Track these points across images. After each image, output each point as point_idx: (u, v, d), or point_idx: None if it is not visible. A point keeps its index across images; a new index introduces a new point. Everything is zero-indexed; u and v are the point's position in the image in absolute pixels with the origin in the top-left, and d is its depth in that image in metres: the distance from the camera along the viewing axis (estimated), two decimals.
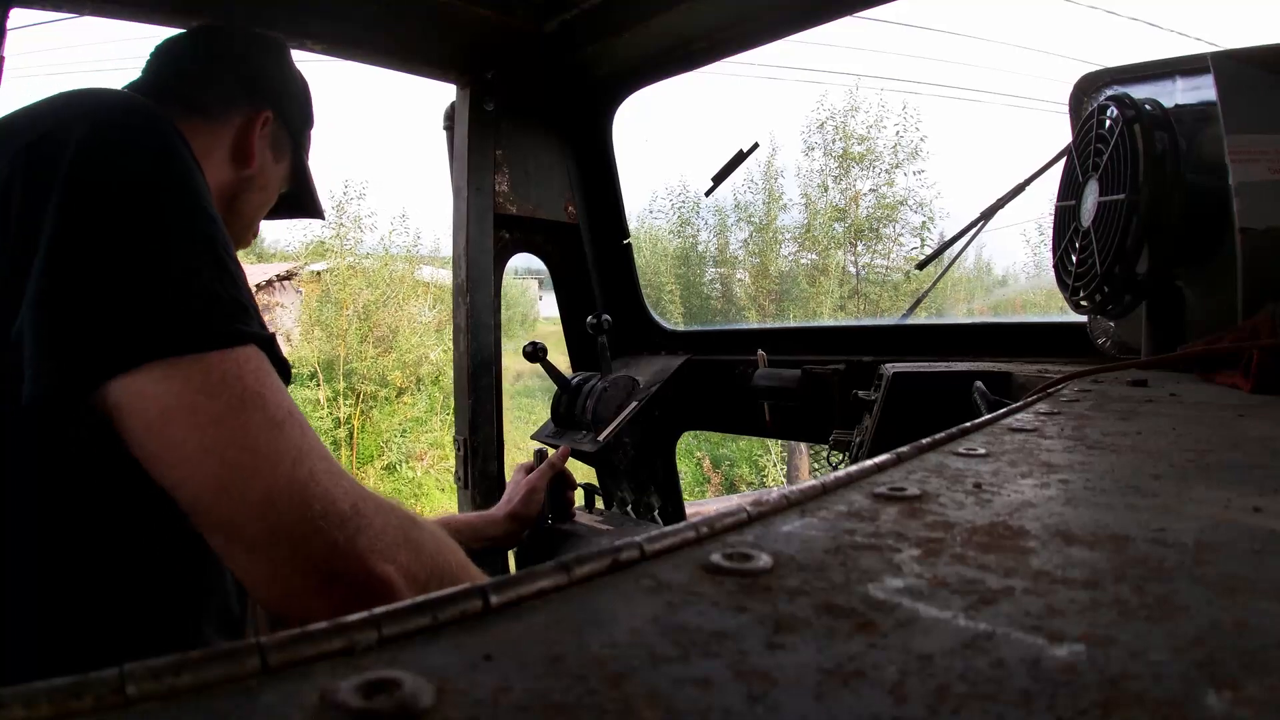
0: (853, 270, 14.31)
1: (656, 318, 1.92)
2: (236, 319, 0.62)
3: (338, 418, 13.17)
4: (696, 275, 15.68)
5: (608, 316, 1.60)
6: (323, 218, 1.18)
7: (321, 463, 0.62)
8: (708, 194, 1.84)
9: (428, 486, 12.73)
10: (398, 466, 13.07)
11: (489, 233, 1.68)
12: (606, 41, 1.66)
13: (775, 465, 12.78)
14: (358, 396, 13.29)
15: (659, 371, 1.69)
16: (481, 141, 1.67)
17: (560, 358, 1.68)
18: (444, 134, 1.75)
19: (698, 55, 1.65)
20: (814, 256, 14.09)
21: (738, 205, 14.80)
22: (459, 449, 1.70)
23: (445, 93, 1.72)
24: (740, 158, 1.78)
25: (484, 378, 1.68)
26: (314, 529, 0.59)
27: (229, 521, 0.59)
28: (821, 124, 14.33)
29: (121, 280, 0.59)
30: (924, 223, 13.87)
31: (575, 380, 1.67)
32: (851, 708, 0.16)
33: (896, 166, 14.02)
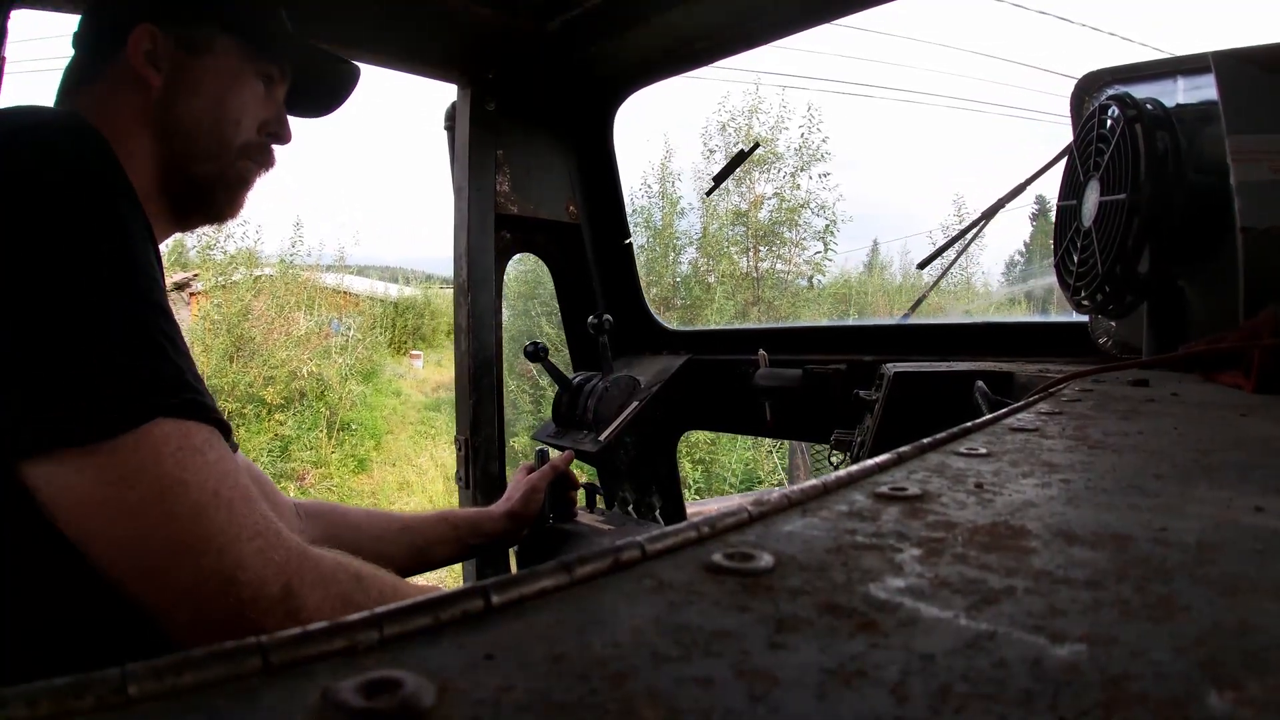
0: (754, 276, 13.83)
1: (658, 318, 1.92)
2: (153, 392, 0.59)
3: None
4: None
5: (609, 316, 1.60)
6: (354, 79, 1.08)
7: (253, 542, 0.60)
8: (708, 194, 1.85)
9: None
10: None
11: (490, 233, 1.68)
12: (608, 41, 1.66)
13: (691, 485, 12.42)
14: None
15: (660, 371, 1.69)
16: (482, 141, 1.67)
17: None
18: (445, 134, 1.75)
19: (699, 54, 1.65)
20: (709, 261, 13.63)
21: (634, 210, 14.14)
22: (460, 449, 1.70)
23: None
24: (741, 157, 1.78)
25: (485, 378, 1.68)
26: (240, 619, 0.59)
27: (155, 606, 0.59)
28: (723, 126, 13.87)
29: (19, 357, 0.57)
30: (827, 226, 13.44)
31: (577, 380, 1.67)
32: (853, 707, 0.16)
33: (802, 169, 13.51)
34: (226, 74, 0.91)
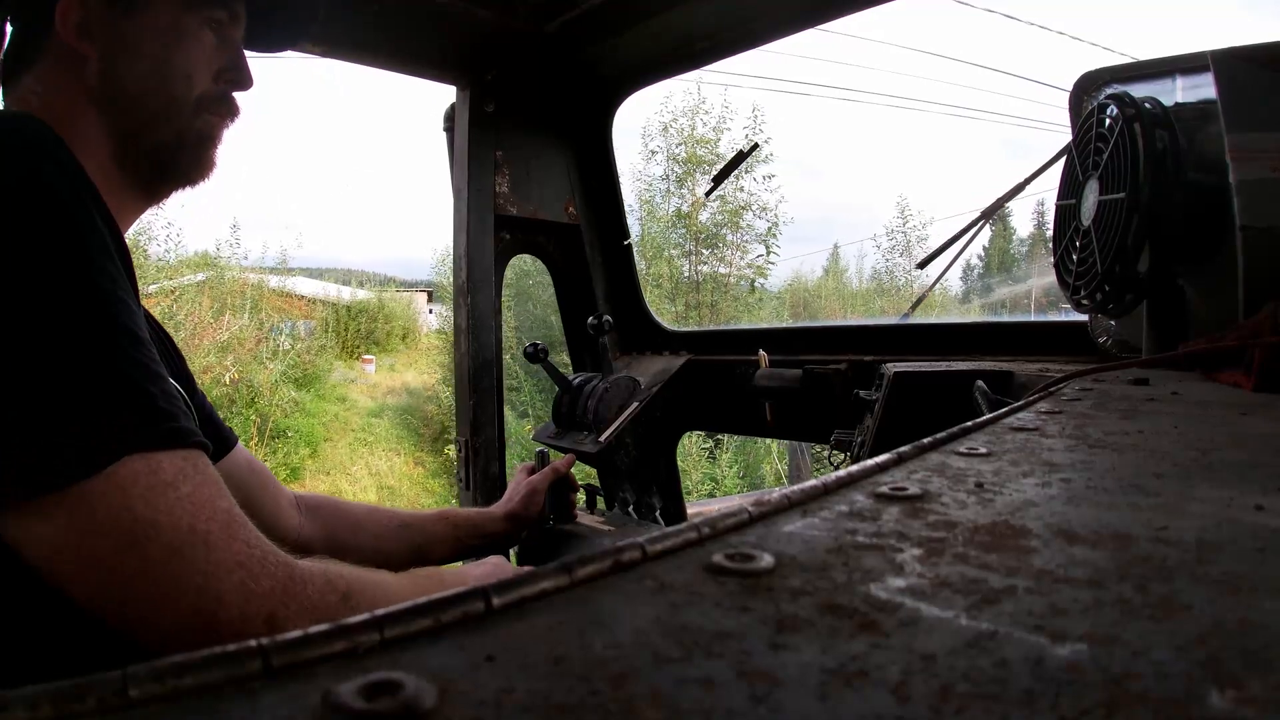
0: (695, 279, 13.51)
1: (658, 319, 1.92)
2: (119, 429, 0.57)
3: None
4: (533, 290, 13.82)
5: (609, 317, 1.60)
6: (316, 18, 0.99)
7: (234, 575, 0.59)
8: (707, 194, 1.86)
9: None
10: None
11: (489, 234, 1.68)
12: (607, 42, 1.66)
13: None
14: None
15: (660, 372, 1.69)
16: (482, 143, 1.67)
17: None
18: (444, 135, 1.75)
19: (699, 55, 1.65)
20: (644, 265, 13.32)
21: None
22: (460, 450, 1.70)
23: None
24: (740, 157, 1.78)
25: (485, 379, 1.68)
26: None
27: (140, 643, 0.58)
28: (665, 127, 13.66)
29: None
30: (769, 229, 13.22)
31: (577, 381, 1.67)
32: (854, 707, 0.16)
33: (748, 170, 13.18)
34: (167, 29, 0.83)
